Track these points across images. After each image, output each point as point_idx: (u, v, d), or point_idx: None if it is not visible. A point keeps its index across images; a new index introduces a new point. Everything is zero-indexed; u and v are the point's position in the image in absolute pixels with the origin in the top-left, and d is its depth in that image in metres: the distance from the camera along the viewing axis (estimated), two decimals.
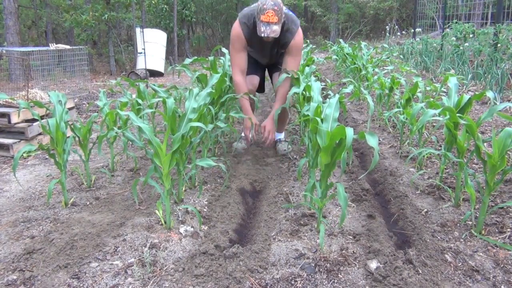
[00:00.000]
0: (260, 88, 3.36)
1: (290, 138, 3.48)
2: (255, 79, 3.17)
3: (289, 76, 2.86)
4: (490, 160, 1.75)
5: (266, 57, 3.12)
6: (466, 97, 2.13)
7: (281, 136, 3.39)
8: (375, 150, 1.57)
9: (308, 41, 6.79)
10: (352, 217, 2.14)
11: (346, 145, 1.70)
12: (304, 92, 2.93)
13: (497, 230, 1.90)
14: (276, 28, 2.62)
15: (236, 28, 2.85)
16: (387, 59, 6.52)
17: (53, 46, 6.35)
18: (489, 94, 2.06)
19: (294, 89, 2.71)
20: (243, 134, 3.24)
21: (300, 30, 2.88)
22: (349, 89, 3.00)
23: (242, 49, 2.88)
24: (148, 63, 9.26)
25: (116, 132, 2.44)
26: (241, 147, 3.27)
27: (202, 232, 2.03)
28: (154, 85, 3.04)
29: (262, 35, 2.63)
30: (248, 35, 2.84)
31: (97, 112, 3.03)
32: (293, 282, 1.59)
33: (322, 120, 1.99)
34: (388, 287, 1.52)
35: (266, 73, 3.47)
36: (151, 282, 1.61)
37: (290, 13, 2.89)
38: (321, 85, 2.63)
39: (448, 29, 7.27)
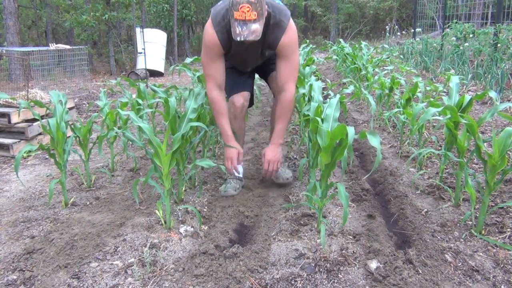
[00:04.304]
0: (250, 102, 2.62)
1: (291, 138, 3.47)
2: (246, 94, 2.49)
3: (291, 92, 2.28)
4: (490, 160, 1.75)
5: (252, 63, 2.48)
6: (468, 97, 2.13)
7: None
8: (377, 149, 1.57)
9: (308, 41, 6.78)
10: (352, 217, 2.14)
11: (348, 143, 1.70)
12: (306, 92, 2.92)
13: (497, 230, 1.90)
14: (256, 28, 1.96)
15: (209, 31, 2.17)
16: (387, 59, 6.52)
17: (53, 46, 6.35)
18: (491, 94, 2.06)
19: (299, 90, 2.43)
20: (233, 170, 2.40)
21: (292, 24, 2.20)
22: (350, 89, 3.00)
23: (218, 57, 2.24)
24: (148, 63, 9.26)
25: (116, 132, 2.44)
26: (232, 187, 2.45)
27: (202, 232, 2.03)
28: (154, 85, 3.04)
29: (238, 38, 1.97)
30: (224, 39, 2.18)
31: (97, 112, 3.03)
32: (293, 282, 1.59)
33: (322, 120, 1.99)
34: (388, 287, 1.52)
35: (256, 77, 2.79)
36: (151, 282, 1.61)
37: (277, 1, 2.21)
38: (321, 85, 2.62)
39: (448, 29, 7.28)
